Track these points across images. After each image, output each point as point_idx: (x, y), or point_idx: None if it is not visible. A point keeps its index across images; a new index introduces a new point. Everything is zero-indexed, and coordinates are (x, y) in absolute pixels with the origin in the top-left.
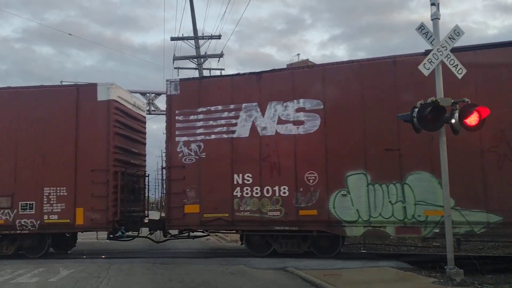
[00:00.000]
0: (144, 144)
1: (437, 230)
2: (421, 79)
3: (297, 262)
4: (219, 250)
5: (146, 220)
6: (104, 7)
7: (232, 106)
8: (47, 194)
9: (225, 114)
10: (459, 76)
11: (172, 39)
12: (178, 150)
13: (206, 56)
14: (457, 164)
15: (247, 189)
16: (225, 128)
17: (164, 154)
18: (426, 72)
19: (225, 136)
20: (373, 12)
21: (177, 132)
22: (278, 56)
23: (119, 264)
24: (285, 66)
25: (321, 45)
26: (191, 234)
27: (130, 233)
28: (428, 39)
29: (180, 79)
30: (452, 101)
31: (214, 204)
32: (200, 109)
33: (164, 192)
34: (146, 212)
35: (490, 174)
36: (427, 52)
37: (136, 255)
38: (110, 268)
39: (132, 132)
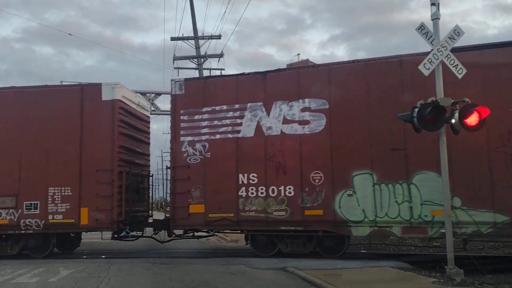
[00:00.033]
0: (148, 144)
1: (444, 230)
2: (427, 79)
3: (297, 262)
4: (219, 250)
5: (150, 220)
6: (104, 7)
7: (237, 106)
8: (51, 194)
9: (230, 113)
10: (459, 76)
11: (172, 39)
12: (183, 150)
13: (206, 56)
14: (464, 164)
15: (252, 189)
16: (230, 128)
17: (163, 154)
18: (426, 72)
19: (230, 136)
20: (373, 12)
21: (181, 132)
22: (278, 56)
23: (119, 264)
24: (285, 66)
25: (321, 45)
26: (196, 234)
27: (134, 233)
28: (428, 39)
29: (185, 79)
30: (452, 101)
31: (219, 204)
32: (205, 109)
33: (169, 192)
34: (150, 212)
35: (497, 174)
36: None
37: (136, 255)
38: (110, 268)
39: (136, 131)
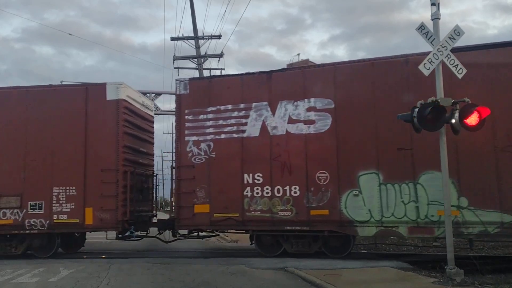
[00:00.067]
0: (152, 143)
1: None
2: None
3: (297, 262)
4: (219, 250)
5: (154, 220)
6: (104, 7)
7: (242, 106)
8: (56, 193)
9: (235, 113)
10: (459, 76)
11: (172, 39)
12: (188, 149)
13: (206, 56)
14: (471, 164)
15: (257, 189)
16: (235, 127)
17: (163, 154)
18: (426, 72)
19: (235, 135)
20: (373, 12)
21: (186, 132)
22: (278, 56)
23: (119, 264)
24: (285, 66)
25: (321, 45)
26: (200, 234)
27: (138, 233)
28: (428, 39)
29: (190, 79)
30: (452, 101)
31: (224, 203)
32: (209, 109)
33: (174, 191)
34: (154, 211)
35: (504, 173)
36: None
37: (136, 255)
38: (110, 268)
39: (140, 131)
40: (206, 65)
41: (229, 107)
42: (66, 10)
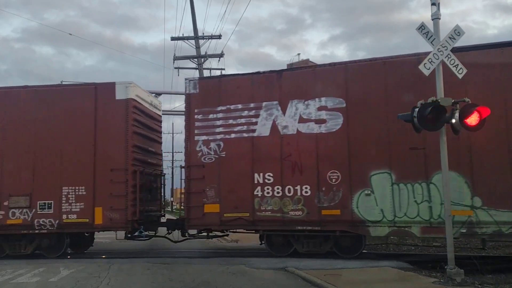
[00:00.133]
0: (160, 143)
1: (464, 230)
2: (445, 77)
3: (297, 262)
4: (219, 250)
5: (162, 220)
6: (104, 7)
7: (252, 105)
8: (65, 193)
9: (245, 112)
10: (460, 76)
11: (173, 39)
12: (197, 149)
13: (207, 56)
14: (485, 163)
15: (268, 189)
16: (245, 127)
17: (163, 154)
18: (426, 72)
19: (245, 135)
20: (373, 12)
21: (196, 131)
22: (278, 56)
23: (120, 264)
24: (285, 66)
25: (321, 45)
26: (210, 234)
27: (147, 232)
28: (428, 39)
29: (199, 78)
30: (453, 101)
31: (235, 203)
32: (219, 108)
33: (184, 191)
34: (162, 211)
35: None
36: (452, 50)
37: (136, 255)
38: (110, 268)
39: (149, 131)
40: (206, 65)
41: (239, 106)
42: (66, 10)
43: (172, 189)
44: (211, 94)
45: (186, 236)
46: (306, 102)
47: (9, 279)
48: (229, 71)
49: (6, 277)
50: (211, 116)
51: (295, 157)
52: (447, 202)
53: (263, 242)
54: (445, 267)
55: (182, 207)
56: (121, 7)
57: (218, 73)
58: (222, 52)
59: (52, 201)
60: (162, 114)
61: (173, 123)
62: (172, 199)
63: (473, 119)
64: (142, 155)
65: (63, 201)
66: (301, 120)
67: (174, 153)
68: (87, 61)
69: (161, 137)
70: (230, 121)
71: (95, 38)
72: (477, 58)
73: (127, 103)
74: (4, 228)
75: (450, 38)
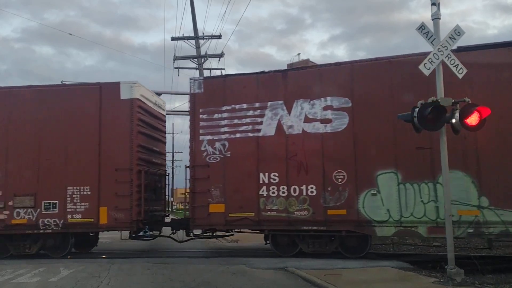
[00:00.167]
0: (164, 143)
1: (471, 230)
2: (452, 77)
3: (298, 262)
4: (220, 250)
5: (167, 220)
6: (104, 7)
7: (257, 105)
8: (70, 193)
9: (250, 112)
10: (460, 76)
11: (173, 39)
12: (202, 148)
13: (207, 56)
14: (492, 163)
15: (273, 188)
16: (250, 126)
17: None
18: (426, 72)
19: (250, 134)
20: (373, 12)
21: (201, 131)
22: (278, 56)
23: (120, 264)
24: (286, 66)
25: (321, 45)
26: (214, 233)
27: (151, 232)
28: (428, 39)
29: (204, 77)
30: (453, 101)
31: (240, 203)
32: (224, 108)
33: (189, 191)
34: (167, 211)
35: None
36: (459, 49)
37: (136, 255)
38: (110, 268)
39: (153, 130)
40: (206, 65)
41: (244, 106)
42: (66, 10)
43: (172, 189)
44: (216, 93)
45: (190, 236)
46: (311, 102)
47: (9, 279)
48: (229, 71)
49: (6, 277)
50: (216, 115)
51: (301, 157)
52: (447, 202)
53: (268, 242)
54: (445, 267)
55: (182, 207)
56: (121, 7)
57: (218, 73)
58: (222, 52)
59: (57, 201)
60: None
61: (173, 123)
62: (172, 199)
63: (473, 119)
64: (146, 154)
65: (68, 201)
66: (307, 119)
67: (174, 153)
68: (87, 61)
69: (165, 137)
70: (235, 121)
71: (95, 38)
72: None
73: (132, 103)
74: (9, 228)
75: (450, 38)
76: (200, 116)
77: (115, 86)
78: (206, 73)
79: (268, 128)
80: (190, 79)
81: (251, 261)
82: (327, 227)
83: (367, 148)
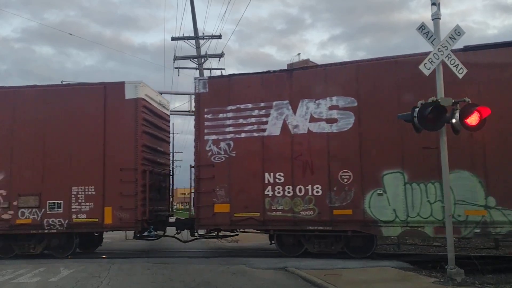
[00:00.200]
0: (169, 142)
1: (478, 230)
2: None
3: (298, 262)
4: (220, 250)
5: (171, 219)
6: (104, 7)
7: (262, 104)
8: (75, 193)
9: (255, 112)
10: (460, 76)
11: (173, 39)
12: (207, 148)
13: (207, 56)
14: (499, 163)
15: (278, 188)
16: (255, 126)
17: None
18: (426, 72)
19: (255, 134)
20: (373, 12)
21: (206, 131)
22: (278, 56)
23: (120, 264)
24: (286, 66)
25: (321, 45)
26: (219, 233)
27: (156, 232)
28: (428, 39)
29: (209, 77)
30: (453, 101)
31: (245, 203)
32: (229, 107)
33: (193, 191)
34: (171, 211)
35: None
36: (466, 48)
37: (136, 255)
38: (110, 268)
39: (158, 130)
40: (206, 65)
41: (249, 105)
42: (66, 10)
43: (172, 189)
44: (220, 93)
45: (195, 236)
46: (317, 101)
47: (10, 279)
48: (229, 71)
49: (7, 277)
50: (221, 115)
51: (306, 157)
52: (447, 202)
53: (273, 242)
54: (446, 267)
55: (182, 207)
56: (121, 7)
57: (218, 73)
58: (222, 52)
59: (61, 201)
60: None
61: (173, 123)
62: (171, 199)
63: (473, 119)
64: (151, 154)
65: (73, 201)
66: (312, 119)
67: (174, 153)
68: (87, 61)
69: (169, 137)
70: (240, 121)
71: (95, 38)
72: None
73: (137, 103)
74: (13, 228)
75: (450, 38)
76: (205, 115)
77: (120, 86)
78: (206, 73)
79: (273, 128)
80: (195, 78)
81: (251, 261)
82: (332, 227)
83: (373, 148)
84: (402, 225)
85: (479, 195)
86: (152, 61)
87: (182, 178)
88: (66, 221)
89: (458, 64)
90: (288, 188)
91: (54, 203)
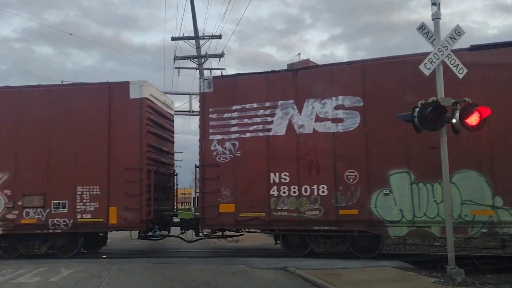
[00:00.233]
0: (173, 142)
1: (485, 230)
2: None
3: (298, 262)
4: (220, 250)
5: (175, 219)
6: (104, 7)
7: (267, 104)
8: (80, 193)
9: (261, 111)
10: (460, 76)
11: (173, 39)
12: (212, 148)
13: (207, 56)
14: (506, 163)
15: (284, 188)
16: (260, 126)
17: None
18: (426, 72)
19: (260, 134)
20: (373, 12)
21: (211, 131)
22: (278, 56)
23: (120, 264)
24: (286, 66)
25: (321, 45)
26: (224, 233)
27: (161, 232)
28: (429, 39)
29: (214, 77)
30: (453, 101)
31: (250, 203)
32: (234, 107)
33: (198, 190)
34: (175, 211)
35: None
36: (472, 48)
37: (136, 255)
38: (110, 268)
39: (162, 130)
40: (206, 65)
41: (255, 105)
42: (66, 10)
43: (176, 189)
44: (225, 93)
45: (200, 236)
46: (322, 101)
47: (10, 278)
48: (229, 71)
49: (7, 277)
50: (226, 115)
51: (312, 157)
52: (447, 202)
53: (278, 242)
54: (446, 267)
55: (183, 207)
56: (121, 7)
57: (218, 73)
58: (223, 52)
59: (66, 201)
60: None
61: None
62: (176, 199)
63: (473, 119)
64: (156, 154)
65: (78, 201)
66: (318, 119)
67: (175, 153)
68: (87, 61)
69: (173, 136)
70: (245, 120)
71: (95, 38)
72: None
73: (141, 102)
74: (18, 227)
75: (450, 38)
76: (210, 115)
77: (125, 85)
78: (206, 73)
79: (278, 128)
80: (200, 78)
81: (251, 261)
82: (338, 227)
83: (379, 148)
84: (409, 225)
85: (486, 195)
86: (152, 61)
87: (182, 178)
88: (71, 221)
89: (458, 64)
90: (294, 188)
91: (59, 203)
